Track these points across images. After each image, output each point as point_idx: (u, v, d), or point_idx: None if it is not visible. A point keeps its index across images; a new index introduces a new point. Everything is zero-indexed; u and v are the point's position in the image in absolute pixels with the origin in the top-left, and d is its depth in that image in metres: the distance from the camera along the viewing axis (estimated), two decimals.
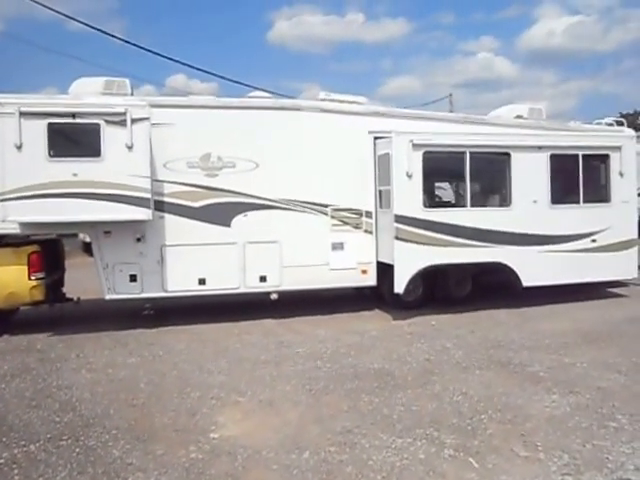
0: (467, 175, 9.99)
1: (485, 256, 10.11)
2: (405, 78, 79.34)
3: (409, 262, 9.73)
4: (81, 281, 11.31)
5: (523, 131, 10.82)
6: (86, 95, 9.39)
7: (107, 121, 8.94)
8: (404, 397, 6.11)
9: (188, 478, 4.52)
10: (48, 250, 9.96)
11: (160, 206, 9.57)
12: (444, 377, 6.75)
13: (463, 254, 9.97)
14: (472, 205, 10.09)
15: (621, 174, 10.69)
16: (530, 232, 10.25)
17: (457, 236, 9.91)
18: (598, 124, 11.63)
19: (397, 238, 9.65)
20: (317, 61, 79.05)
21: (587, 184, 10.59)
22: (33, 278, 9.35)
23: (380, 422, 5.46)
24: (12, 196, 8.67)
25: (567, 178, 10.70)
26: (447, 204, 10.79)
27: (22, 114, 8.63)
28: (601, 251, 10.59)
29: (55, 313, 10.37)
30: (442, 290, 10.76)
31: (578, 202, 10.58)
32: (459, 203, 10.40)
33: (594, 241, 10.57)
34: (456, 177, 10.37)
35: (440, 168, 10.28)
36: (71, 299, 10.48)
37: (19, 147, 8.63)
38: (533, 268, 10.24)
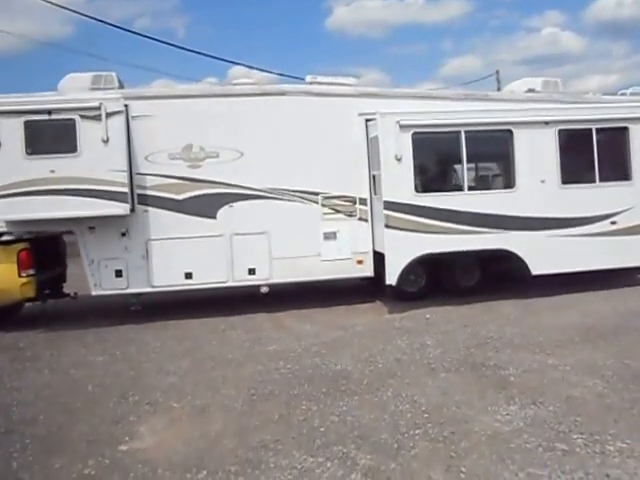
0: (463, 156, 9.17)
1: (487, 243, 9.29)
2: (466, 58, 75.87)
3: (401, 251, 9.08)
4: None
5: (533, 105, 9.82)
6: (73, 90, 9.30)
7: (82, 116, 8.82)
8: (346, 405, 5.57)
9: None
10: (43, 247, 10.01)
11: (144, 200, 9.42)
12: (403, 381, 6.14)
13: (462, 241, 9.20)
14: (470, 188, 9.28)
15: None
16: (538, 215, 9.32)
17: (454, 222, 9.16)
18: (622, 94, 10.42)
19: (387, 226, 9.03)
20: (376, 45, 76.90)
21: (604, 161, 9.48)
22: (23, 275, 9.41)
23: (303, 436, 4.96)
24: None
25: (580, 155, 9.67)
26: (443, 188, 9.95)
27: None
28: (622, 234, 9.50)
29: (58, 309, 10.50)
30: (448, 280, 10.03)
31: (593, 181, 9.50)
32: (455, 187, 9.56)
33: (614, 223, 9.49)
34: (451, 159, 9.58)
35: (433, 149, 9.51)
36: (68, 294, 10.51)
37: None
38: (543, 255, 9.32)
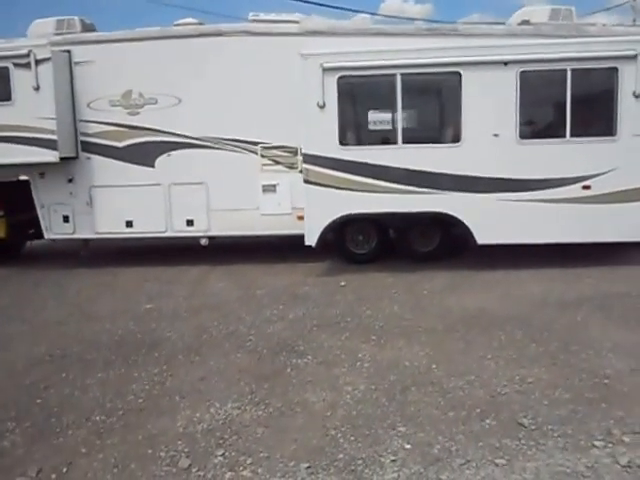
0: (399, 104, 7.93)
1: (424, 205, 8.10)
2: None
3: (322, 210, 8.28)
4: None
5: (514, 42, 8.16)
6: (39, 36, 9.47)
7: (15, 64, 8.95)
8: (104, 377, 5.22)
9: None
10: (15, 192, 10.52)
11: (87, 147, 9.49)
12: (194, 358, 5.54)
13: (393, 202, 8.11)
14: (405, 142, 8.05)
15: (636, 95, 7.54)
16: (487, 175, 7.88)
17: (385, 180, 8.07)
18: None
19: (307, 182, 8.23)
20: None
21: (578, 111, 7.64)
22: None
23: (22, 405, 4.79)
24: None
25: (547, 104, 7.96)
26: (373, 141, 8.69)
27: None
28: (598, 202, 7.74)
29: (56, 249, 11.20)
30: (402, 244, 9.02)
31: (563, 136, 7.76)
32: (388, 139, 8.32)
33: (587, 188, 7.75)
34: (384, 107, 8.33)
35: (363, 96, 8.36)
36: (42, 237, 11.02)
37: None
38: (491, 222, 7.95)
